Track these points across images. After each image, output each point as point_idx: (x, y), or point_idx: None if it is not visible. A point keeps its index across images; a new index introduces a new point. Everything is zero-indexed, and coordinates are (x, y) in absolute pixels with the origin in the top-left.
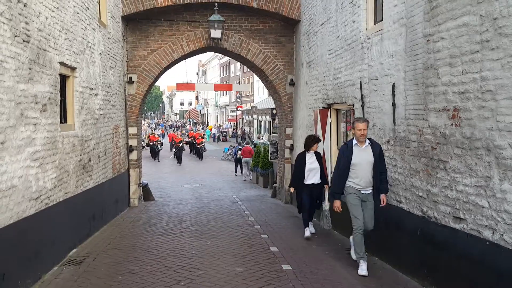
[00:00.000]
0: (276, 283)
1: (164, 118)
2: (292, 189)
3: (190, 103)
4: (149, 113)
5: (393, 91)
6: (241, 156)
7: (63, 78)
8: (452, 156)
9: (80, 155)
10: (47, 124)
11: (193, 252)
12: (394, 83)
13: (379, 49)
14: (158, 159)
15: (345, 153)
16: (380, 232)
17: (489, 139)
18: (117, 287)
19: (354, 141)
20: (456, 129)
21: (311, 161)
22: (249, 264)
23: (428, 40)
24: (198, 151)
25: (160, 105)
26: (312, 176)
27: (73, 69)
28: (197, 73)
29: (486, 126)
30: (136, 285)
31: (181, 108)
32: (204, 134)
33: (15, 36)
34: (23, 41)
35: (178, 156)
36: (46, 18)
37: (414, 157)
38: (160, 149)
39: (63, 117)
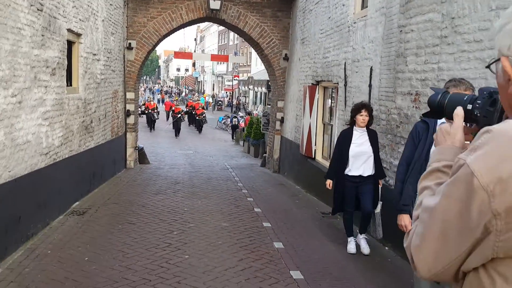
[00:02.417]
0: (256, 236)
1: (160, 83)
2: (329, 183)
3: (186, 70)
4: (144, 78)
5: (371, 74)
6: (237, 124)
7: (70, 44)
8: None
9: (83, 116)
10: (55, 86)
11: (185, 209)
12: (371, 67)
13: (362, 34)
14: (154, 129)
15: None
16: None
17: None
18: (118, 234)
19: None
20: (416, 110)
21: (359, 142)
22: (234, 221)
23: (401, 30)
24: (198, 123)
25: (156, 70)
26: (359, 165)
27: (78, 35)
28: (195, 39)
29: None
30: (135, 233)
31: (178, 74)
32: (204, 105)
33: (31, 5)
34: (37, 9)
35: (176, 128)
36: None
37: (382, 134)
38: (157, 118)
39: (68, 81)
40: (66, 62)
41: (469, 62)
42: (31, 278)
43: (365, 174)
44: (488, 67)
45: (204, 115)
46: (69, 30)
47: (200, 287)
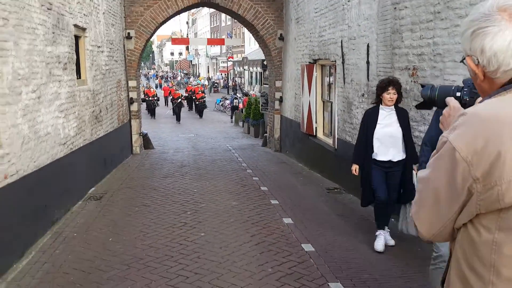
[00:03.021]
0: (265, 213)
1: (155, 68)
2: (355, 167)
3: (180, 54)
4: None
5: (368, 51)
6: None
7: (76, 39)
8: (411, 108)
9: (93, 106)
10: (68, 80)
11: (195, 190)
12: (368, 44)
13: (357, 11)
14: (154, 116)
15: None
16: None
17: None
18: (135, 215)
19: None
20: (414, 85)
21: (386, 123)
22: (243, 199)
23: (395, 7)
24: (198, 108)
25: (150, 55)
26: (386, 149)
27: (83, 29)
28: (187, 22)
29: (436, 83)
30: (151, 214)
31: (172, 58)
32: (204, 89)
33: (42, 5)
34: (47, 8)
35: (176, 113)
36: None
37: None
38: (157, 106)
39: (78, 74)
40: (75, 56)
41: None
42: (63, 258)
43: (395, 159)
44: (462, 61)
45: (204, 99)
46: (75, 26)
47: (218, 261)
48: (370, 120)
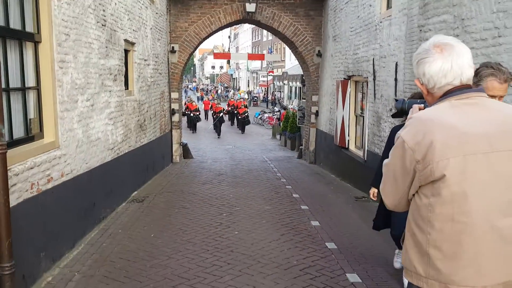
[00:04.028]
0: (295, 216)
1: (195, 81)
2: (372, 192)
3: (221, 67)
4: None
5: (396, 69)
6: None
7: (126, 52)
8: None
9: (138, 116)
10: (117, 90)
11: (231, 196)
12: (397, 62)
13: (388, 32)
14: (195, 130)
15: None
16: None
17: None
18: (175, 216)
19: None
20: None
21: None
22: (275, 205)
23: (421, 29)
24: (240, 123)
25: (192, 68)
26: None
27: (132, 44)
28: (229, 37)
29: None
30: (189, 215)
31: (213, 71)
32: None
33: (97, 22)
34: (102, 25)
35: (217, 128)
36: (115, 4)
37: None
38: (200, 120)
39: (125, 85)
40: (124, 69)
41: (477, 58)
42: (110, 250)
43: None
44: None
45: (247, 114)
46: (125, 41)
47: (249, 254)
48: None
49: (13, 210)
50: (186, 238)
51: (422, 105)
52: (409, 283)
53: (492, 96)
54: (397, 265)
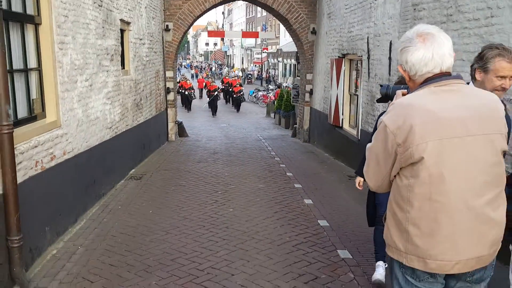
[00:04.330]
0: (288, 195)
1: (189, 58)
2: (359, 181)
3: (215, 44)
4: None
5: (390, 47)
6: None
7: (121, 32)
8: None
9: (135, 95)
10: (114, 70)
11: (226, 174)
12: (391, 41)
13: (382, 10)
14: (190, 108)
15: None
16: None
17: None
18: (172, 194)
19: None
20: None
21: None
22: (269, 183)
23: (415, 8)
24: (235, 101)
25: (185, 45)
26: None
27: (128, 23)
28: (223, 13)
29: None
30: (186, 192)
31: (207, 48)
32: (241, 81)
33: (94, 2)
34: (98, 6)
35: (212, 106)
36: None
37: None
38: (194, 98)
39: (122, 64)
40: (120, 48)
41: (469, 38)
42: (110, 225)
43: None
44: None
45: (242, 92)
46: (121, 20)
47: (244, 230)
48: None
49: (19, 186)
50: (183, 215)
51: (406, 90)
52: (390, 258)
53: (502, 77)
54: (378, 276)
